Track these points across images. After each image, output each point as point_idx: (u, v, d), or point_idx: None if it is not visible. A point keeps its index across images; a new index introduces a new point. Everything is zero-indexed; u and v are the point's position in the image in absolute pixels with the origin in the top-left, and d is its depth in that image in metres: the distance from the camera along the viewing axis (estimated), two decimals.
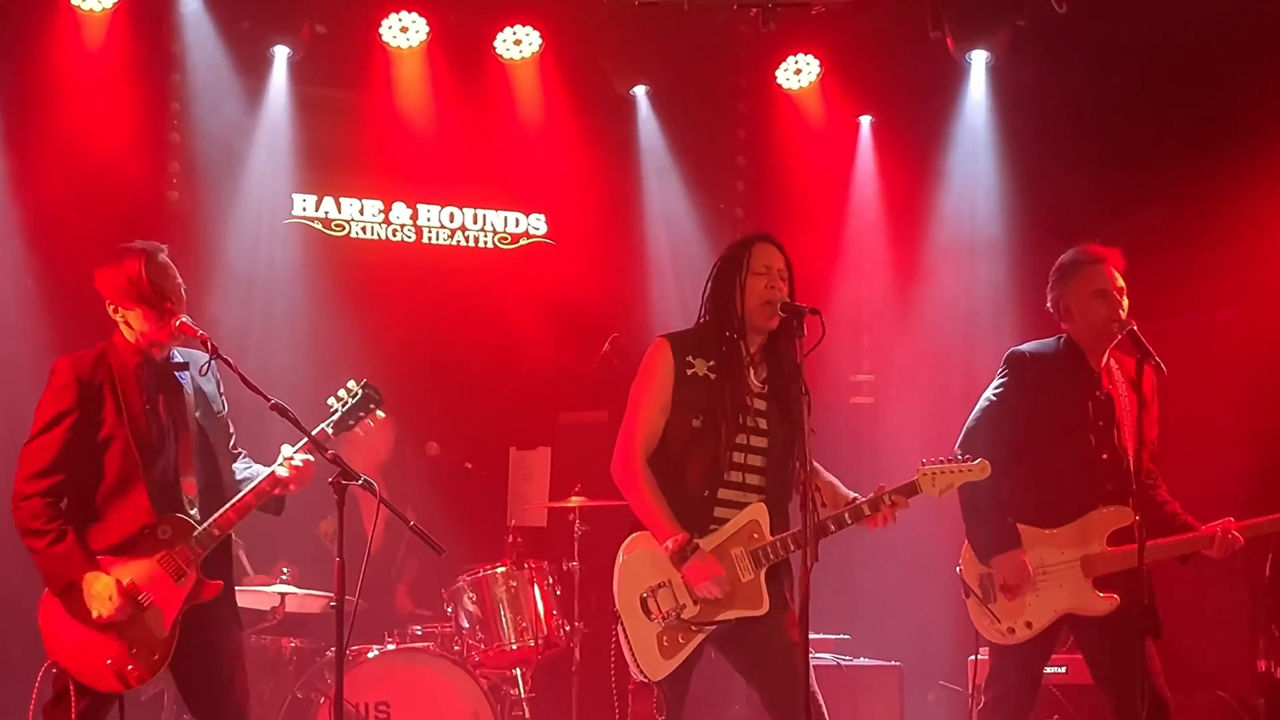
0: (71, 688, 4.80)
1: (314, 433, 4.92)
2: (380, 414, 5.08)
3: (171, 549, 4.88)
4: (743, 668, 4.98)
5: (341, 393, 5.06)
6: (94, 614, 4.78)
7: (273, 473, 4.97)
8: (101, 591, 4.78)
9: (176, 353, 5.09)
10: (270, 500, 5.03)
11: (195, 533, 4.90)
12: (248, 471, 5.18)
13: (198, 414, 5.05)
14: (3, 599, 6.60)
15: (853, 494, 4.95)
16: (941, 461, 4.88)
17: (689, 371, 4.92)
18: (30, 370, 5.57)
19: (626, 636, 4.86)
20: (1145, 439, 5.22)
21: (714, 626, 4.84)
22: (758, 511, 4.88)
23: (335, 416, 5.02)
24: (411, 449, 7.80)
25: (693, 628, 4.82)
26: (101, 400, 4.91)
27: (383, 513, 4.95)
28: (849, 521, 4.83)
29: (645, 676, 4.82)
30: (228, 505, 4.98)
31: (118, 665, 4.80)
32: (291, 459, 4.94)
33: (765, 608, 4.83)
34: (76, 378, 4.91)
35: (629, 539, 4.95)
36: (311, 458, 4.95)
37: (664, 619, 4.82)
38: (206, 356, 4.96)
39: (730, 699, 7.49)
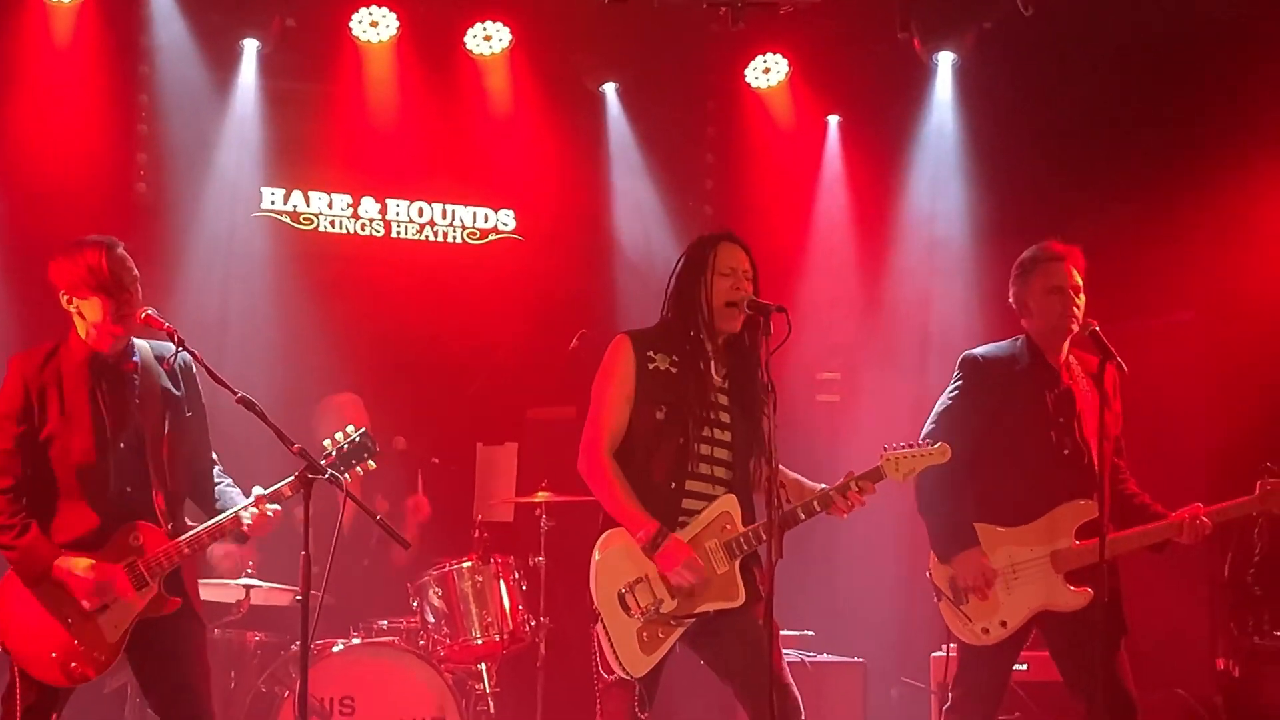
0: (18, 682, 4.80)
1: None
2: (372, 464, 5.05)
3: (140, 557, 4.87)
4: (714, 660, 4.99)
5: (339, 435, 5.03)
6: (84, 604, 4.78)
7: (237, 514, 4.94)
8: (85, 572, 4.77)
9: (139, 350, 5.02)
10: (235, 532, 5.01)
11: (163, 548, 4.88)
12: (221, 483, 5.15)
13: (167, 415, 4.99)
14: None
15: (819, 485, 4.99)
16: (903, 447, 4.95)
17: (650, 366, 4.94)
18: None
19: (607, 634, 4.84)
20: (1109, 433, 5.26)
21: (693, 619, 4.84)
22: (729, 503, 4.91)
23: (327, 458, 4.96)
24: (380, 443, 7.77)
25: (672, 622, 4.83)
26: (45, 399, 4.88)
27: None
28: (818, 509, 4.88)
29: (628, 673, 4.80)
30: (199, 528, 4.96)
31: (62, 659, 4.80)
32: (261, 507, 4.91)
33: (742, 599, 4.86)
34: (22, 376, 4.90)
35: (604, 535, 4.93)
36: (279, 506, 4.93)
37: (643, 614, 4.82)
38: (174, 350, 4.93)
39: (696, 692, 7.51)
